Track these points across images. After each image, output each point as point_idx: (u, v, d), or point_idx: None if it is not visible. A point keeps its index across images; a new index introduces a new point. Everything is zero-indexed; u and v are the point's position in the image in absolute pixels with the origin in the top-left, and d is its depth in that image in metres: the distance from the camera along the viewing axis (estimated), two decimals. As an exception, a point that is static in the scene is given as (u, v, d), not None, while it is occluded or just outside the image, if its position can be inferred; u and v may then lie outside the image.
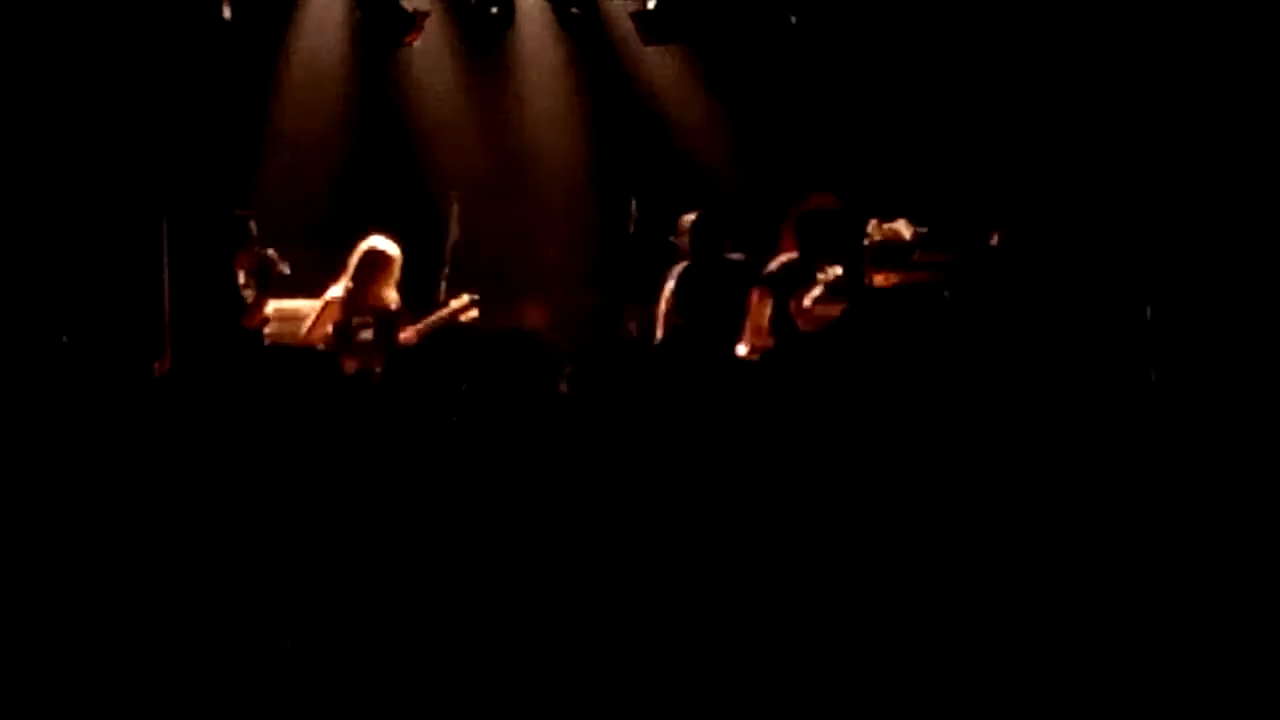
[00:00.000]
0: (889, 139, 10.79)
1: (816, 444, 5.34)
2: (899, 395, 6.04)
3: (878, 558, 4.75)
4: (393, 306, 8.99)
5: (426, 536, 4.56)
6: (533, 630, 4.31)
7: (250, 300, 8.80)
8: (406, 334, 8.94)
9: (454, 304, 9.11)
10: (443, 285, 9.50)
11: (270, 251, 8.94)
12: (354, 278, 8.96)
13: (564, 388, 5.41)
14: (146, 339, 9.56)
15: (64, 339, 7.56)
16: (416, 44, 11.03)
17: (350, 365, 8.47)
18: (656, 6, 10.92)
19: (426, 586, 4.46)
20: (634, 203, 10.30)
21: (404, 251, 9.14)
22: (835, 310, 8.60)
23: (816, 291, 8.77)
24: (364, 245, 9.06)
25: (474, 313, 9.11)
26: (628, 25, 11.16)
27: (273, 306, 9.00)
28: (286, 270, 8.90)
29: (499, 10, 11.22)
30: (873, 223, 10.07)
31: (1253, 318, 8.75)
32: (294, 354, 7.25)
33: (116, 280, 10.01)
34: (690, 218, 9.39)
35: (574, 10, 11.32)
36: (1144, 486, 5.48)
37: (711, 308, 8.91)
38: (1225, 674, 4.29)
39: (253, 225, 8.95)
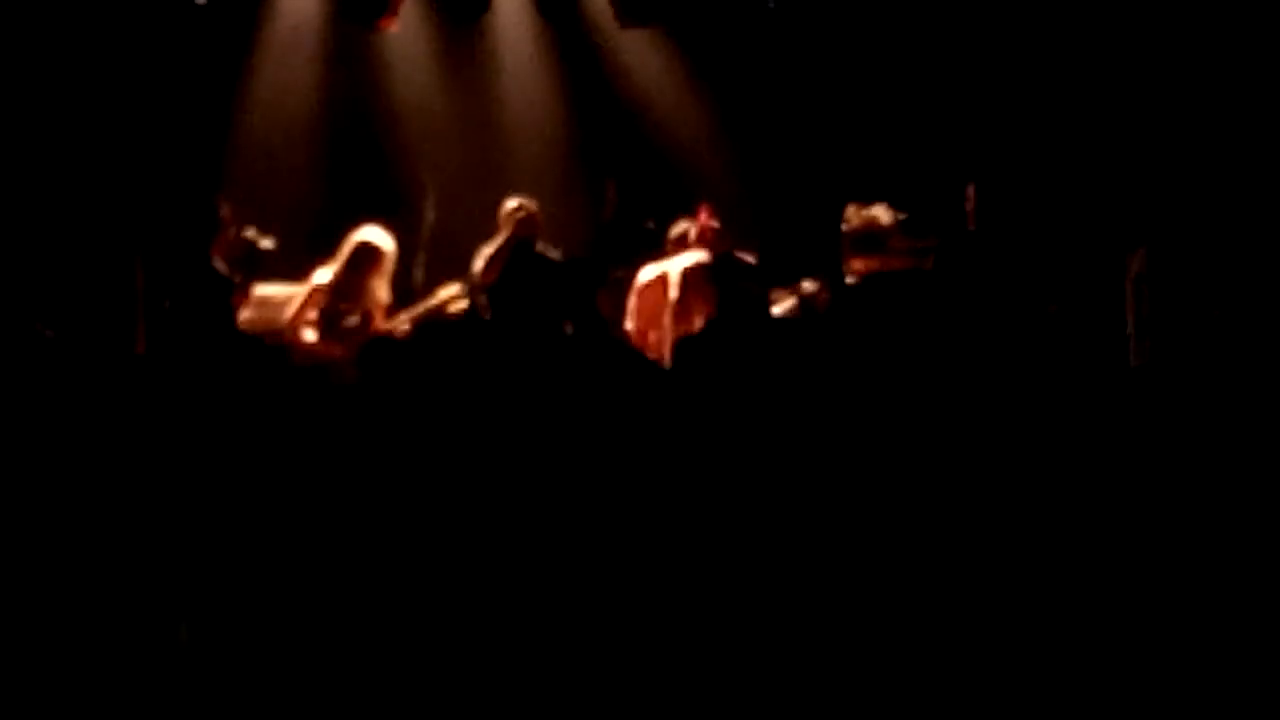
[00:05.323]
0: (867, 122, 10.81)
1: (800, 431, 5.33)
2: (880, 382, 6.03)
3: (860, 546, 4.74)
4: (383, 301, 8.90)
5: (411, 529, 4.55)
6: (525, 626, 4.30)
7: (238, 282, 8.68)
8: (396, 323, 8.84)
9: (443, 293, 9.02)
10: (419, 272, 9.46)
11: (250, 232, 8.86)
12: (344, 266, 8.86)
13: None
14: (122, 327, 9.52)
15: (41, 329, 7.50)
16: (393, 28, 11.01)
17: (334, 351, 8.43)
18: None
19: (409, 574, 4.45)
20: (611, 187, 10.28)
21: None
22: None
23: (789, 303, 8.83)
24: (357, 236, 8.93)
25: (463, 303, 9.04)
26: (605, 8, 11.15)
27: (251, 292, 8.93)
28: (270, 244, 8.81)
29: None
30: (851, 208, 10.09)
31: (1234, 299, 8.77)
32: (269, 347, 7.21)
33: (91, 268, 9.97)
34: (684, 225, 9.42)
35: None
36: (1126, 470, 5.49)
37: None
38: (1218, 669, 4.29)
39: (225, 209, 8.86)
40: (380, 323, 8.76)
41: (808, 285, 9.03)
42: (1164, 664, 4.33)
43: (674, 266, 9.19)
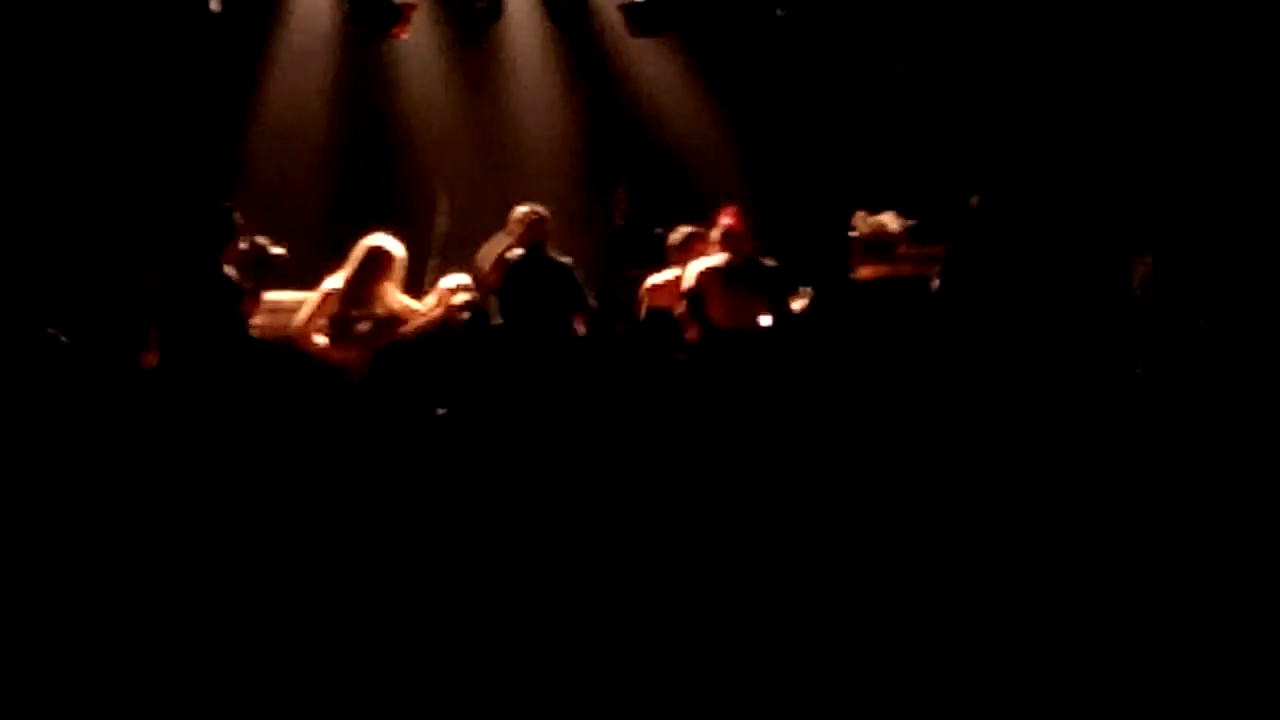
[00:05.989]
0: (875, 130, 10.84)
1: (804, 434, 5.36)
2: (885, 386, 6.06)
3: (861, 548, 4.77)
4: (395, 307, 8.91)
5: (414, 530, 4.58)
6: (523, 625, 4.32)
7: (249, 288, 8.71)
8: (404, 329, 8.84)
9: (453, 300, 9.02)
10: (431, 277, 9.49)
11: (260, 239, 8.89)
12: (355, 272, 8.88)
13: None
14: (134, 333, 9.57)
15: (53, 333, 7.55)
16: (404, 36, 11.07)
17: (346, 356, 8.45)
18: (645, -1, 11.00)
19: (413, 577, 4.48)
20: (622, 193, 10.32)
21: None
22: None
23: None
24: (367, 241, 8.95)
25: (470, 310, 9.04)
26: (615, 17, 11.19)
27: (261, 299, 8.97)
28: (281, 251, 8.83)
29: (487, 2, 11.25)
30: (859, 215, 10.13)
31: (1234, 305, 8.79)
32: (282, 351, 7.23)
33: (103, 274, 10.02)
34: (684, 230, 9.47)
35: (562, 2, 11.35)
36: (1128, 475, 5.51)
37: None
38: (1219, 670, 4.30)
39: (237, 216, 8.90)
40: (391, 328, 8.79)
41: (796, 305, 9.10)
42: (1165, 666, 4.36)
43: (690, 269, 9.23)
